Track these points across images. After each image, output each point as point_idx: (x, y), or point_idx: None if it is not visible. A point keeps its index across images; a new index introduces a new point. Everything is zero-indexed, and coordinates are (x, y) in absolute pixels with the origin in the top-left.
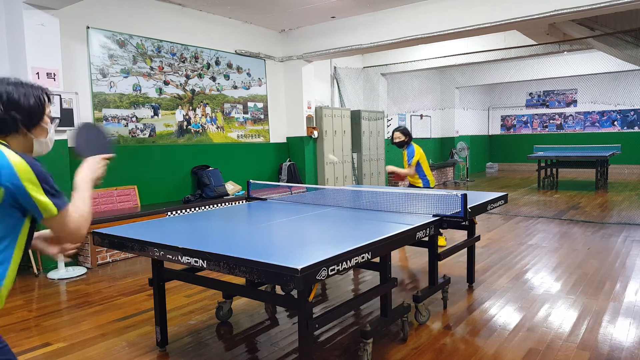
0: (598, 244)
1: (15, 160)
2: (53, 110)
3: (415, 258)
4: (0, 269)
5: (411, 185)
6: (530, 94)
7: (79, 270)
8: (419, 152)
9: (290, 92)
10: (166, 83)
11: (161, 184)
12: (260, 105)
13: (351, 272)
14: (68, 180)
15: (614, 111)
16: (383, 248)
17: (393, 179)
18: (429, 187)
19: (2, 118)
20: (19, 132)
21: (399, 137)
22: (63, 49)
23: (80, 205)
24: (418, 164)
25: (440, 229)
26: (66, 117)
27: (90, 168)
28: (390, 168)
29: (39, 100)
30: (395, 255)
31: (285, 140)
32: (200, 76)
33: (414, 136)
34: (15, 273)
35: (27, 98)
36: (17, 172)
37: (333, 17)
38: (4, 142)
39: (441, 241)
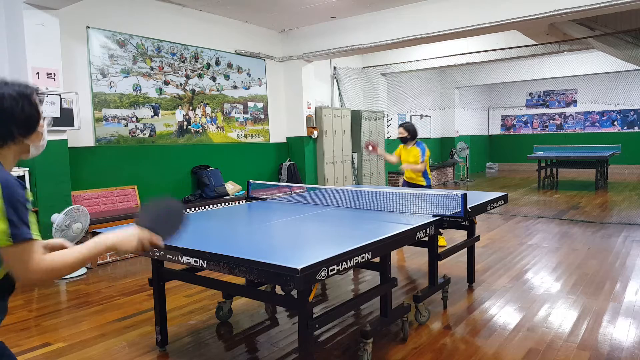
0: (598, 244)
1: None
2: (53, 110)
3: (415, 258)
4: None
5: (409, 184)
6: (530, 94)
7: (79, 270)
8: (428, 152)
9: (290, 92)
10: (166, 83)
11: (161, 184)
12: (260, 105)
13: (351, 272)
14: (67, 181)
15: (614, 111)
16: (383, 248)
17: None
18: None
19: None
20: (15, 142)
21: (402, 132)
22: (63, 49)
23: (63, 255)
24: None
25: (439, 230)
26: (66, 117)
27: (127, 237)
28: (405, 166)
29: (32, 104)
30: (395, 255)
31: (285, 140)
32: (200, 76)
33: None
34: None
35: (20, 104)
36: None
37: (333, 17)
38: None
39: (441, 241)
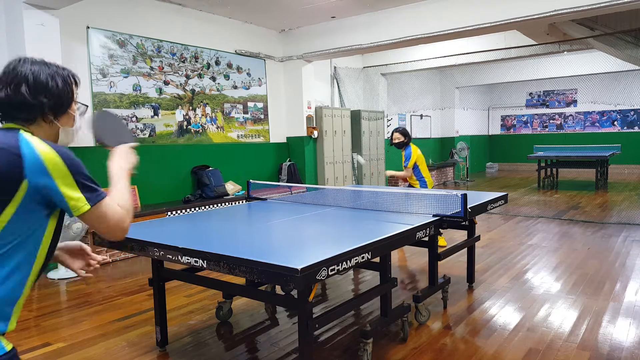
0: (598, 244)
1: (43, 150)
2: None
3: (415, 258)
4: (18, 276)
5: (411, 187)
6: (530, 94)
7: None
8: (415, 154)
9: (290, 92)
10: (166, 83)
11: (161, 184)
12: (260, 105)
13: (351, 272)
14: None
15: (614, 111)
16: (383, 248)
17: (393, 181)
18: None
19: (29, 103)
20: (45, 120)
21: (398, 137)
22: (63, 49)
23: (119, 197)
24: (415, 166)
25: (440, 230)
26: None
27: (124, 158)
28: (389, 173)
29: (67, 83)
30: (395, 255)
31: (285, 140)
32: (200, 76)
33: (414, 136)
34: (32, 284)
35: (55, 80)
36: (46, 164)
37: (333, 17)
38: (28, 130)
39: (441, 241)
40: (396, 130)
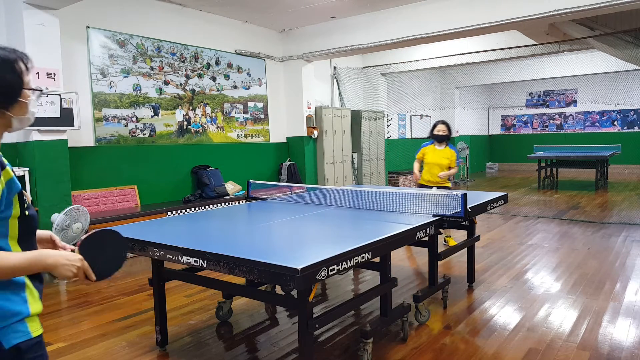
0: (598, 244)
1: None
2: (53, 110)
3: (415, 258)
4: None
5: (427, 187)
6: (530, 94)
7: None
8: None
9: (290, 92)
10: (166, 83)
11: (161, 184)
12: (260, 105)
13: (351, 272)
14: (67, 181)
15: (614, 111)
16: (383, 248)
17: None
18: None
19: None
20: None
21: (444, 130)
22: (63, 49)
23: (3, 257)
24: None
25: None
26: (66, 117)
27: (67, 263)
28: (444, 174)
29: (14, 72)
30: (395, 255)
31: (285, 140)
32: (200, 76)
33: (413, 136)
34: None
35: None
36: None
37: (333, 17)
38: None
39: (451, 242)
40: (442, 122)
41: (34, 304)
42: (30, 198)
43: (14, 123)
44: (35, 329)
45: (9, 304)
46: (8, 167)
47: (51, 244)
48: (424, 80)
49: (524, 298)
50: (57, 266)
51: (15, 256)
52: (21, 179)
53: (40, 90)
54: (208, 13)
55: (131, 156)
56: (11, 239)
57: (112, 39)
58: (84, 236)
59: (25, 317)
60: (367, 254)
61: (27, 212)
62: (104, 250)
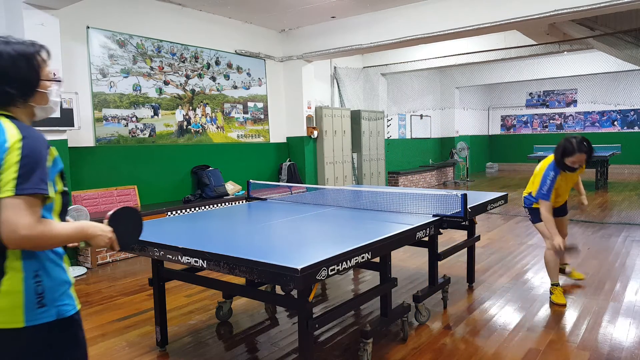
0: (598, 244)
1: (12, 135)
2: None
3: (415, 258)
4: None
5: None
6: (530, 94)
7: (79, 270)
8: None
9: (290, 92)
10: (166, 83)
11: (161, 184)
12: (260, 105)
13: (351, 272)
14: (67, 181)
15: (614, 111)
16: (383, 248)
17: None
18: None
19: None
20: (16, 105)
21: (584, 160)
22: (63, 49)
23: (56, 229)
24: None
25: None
26: (66, 117)
27: (103, 233)
28: (586, 201)
29: (31, 65)
30: (395, 255)
31: (285, 140)
32: (200, 76)
33: (413, 136)
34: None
35: (17, 65)
36: (8, 146)
37: (333, 17)
38: (7, 113)
39: (575, 274)
40: (584, 151)
41: (70, 273)
42: None
43: (37, 112)
44: (77, 301)
45: (61, 273)
46: (52, 147)
47: None
48: (424, 80)
49: (524, 298)
50: (95, 236)
51: (67, 226)
52: None
53: (59, 81)
54: (208, 13)
55: (131, 156)
56: (54, 213)
57: (112, 39)
58: (112, 210)
59: (70, 287)
60: (367, 254)
61: (65, 189)
62: (126, 224)
